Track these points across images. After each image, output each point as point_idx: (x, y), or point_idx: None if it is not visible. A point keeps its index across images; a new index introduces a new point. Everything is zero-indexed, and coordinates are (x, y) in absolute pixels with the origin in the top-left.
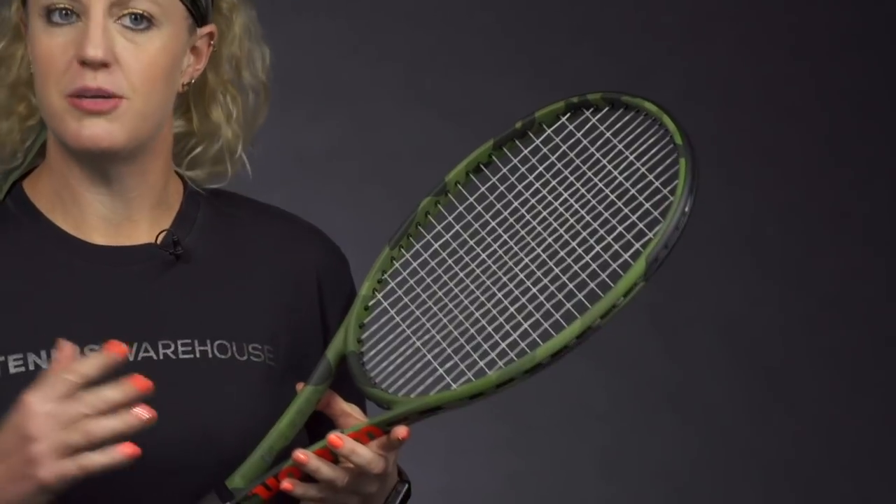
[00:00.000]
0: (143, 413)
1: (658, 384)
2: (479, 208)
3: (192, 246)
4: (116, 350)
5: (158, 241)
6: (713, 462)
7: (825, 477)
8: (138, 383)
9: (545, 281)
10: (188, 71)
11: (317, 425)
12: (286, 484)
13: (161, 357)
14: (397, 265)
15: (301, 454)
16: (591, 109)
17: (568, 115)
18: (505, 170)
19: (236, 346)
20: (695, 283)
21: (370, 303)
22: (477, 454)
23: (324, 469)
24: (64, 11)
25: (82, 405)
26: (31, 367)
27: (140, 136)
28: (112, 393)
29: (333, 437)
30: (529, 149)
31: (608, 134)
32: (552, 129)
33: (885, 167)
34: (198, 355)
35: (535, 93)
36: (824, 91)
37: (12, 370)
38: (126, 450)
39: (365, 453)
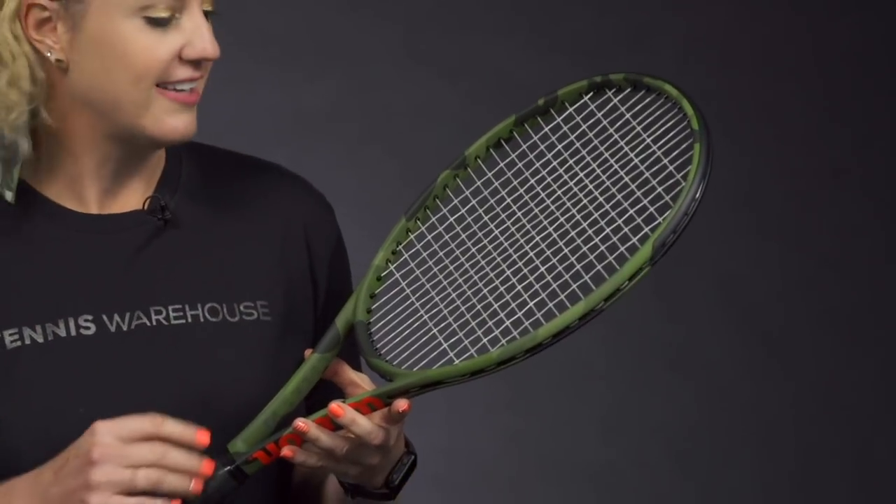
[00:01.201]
0: (197, 488)
1: (658, 345)
2: (497, 184)
3: (179, 208)
4: (202, 440)
5: (146, 207)
6: (712, 423)
7: (824, 437)
8: (201, 438)
9: (554, 261)
10: None
11: (326, 394)
12: (286, 451)
13: (154, 323)
14: (412, 237)
15: (301, 423)
16: (613, 90)
17: (591, 94)
18: (525, 146)
19: (227, 307)
20: (694, 244)
21: (383, 273)
22: (477, 415)
23: (323, 438)
24: (167, 16)
25: (150, 453)
26: (28, 341)
27: None
28: (181, 457)
29: (334, 405)
30: (550, 126)
31: (628, 115)
32: (574, 107)
33: (883, 126)
34: (189, 320)
35: (533, 53)
36: (823, 49)
37: (9, 345)
38: None
39: (365, 424)
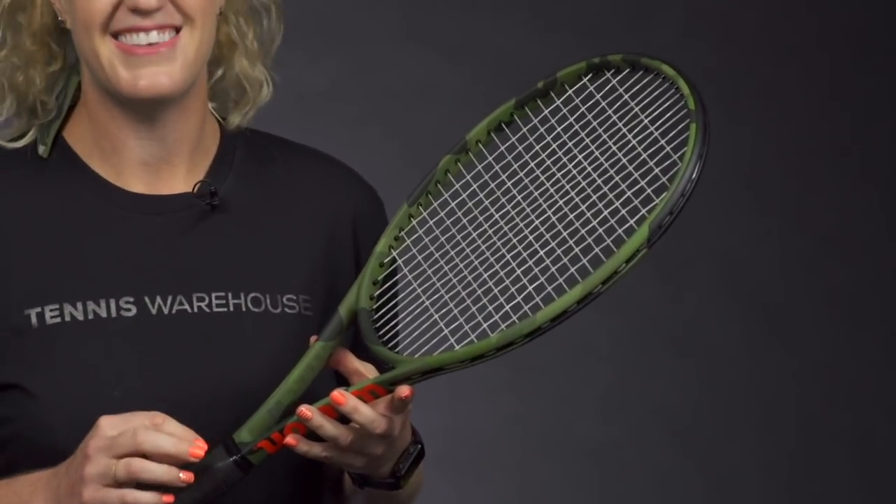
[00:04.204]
0: (188, 478)
1: (659, 324)
2: (497, 168)
3: (228, 193)
4: (195, 453)
5: (195, 191)
6: (714, 402)
7: (825, 414)
8: (196, 450)
9: (553, 244)
10: None
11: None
12: (290, 440)
13: (195, 310)
14: (414, 223)
15: (305, 409)
16: (611, 71)
17: (590, 75)
18: (525, 129)
19: (270, 298)
20: (695, 223)
21: (385, 260)
22: (478, 395)
23: (327, 426)
24: None
25: (135, 440)
26: (68, 318)
27: (196, 72)
28: (167, 443)
29: (336, 393)
30: (550, 109)
31: (626, 97)
32: (573, 89)
33: (884, 104)
34: (231, 308)
35: (533, 32)
36: (823, 27)
37: (49, 321)
38: (168, 500)
39: (367, 412)
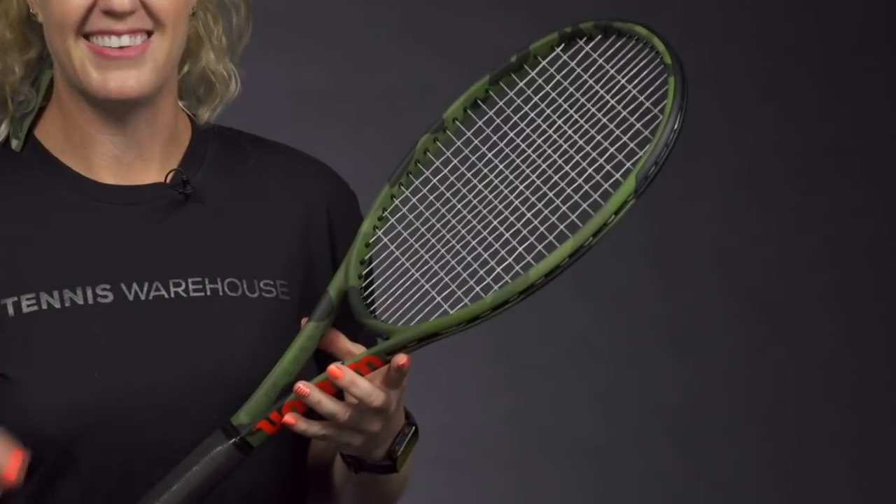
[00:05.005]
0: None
1: (658, 323)
2: (476, 141)
3: (201, 184)
4: (8, 473)
5: (168, 181)
6: (713, 400)
7: (825, 414)
8: (12, 467)
9: (539, 206)
10: None
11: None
12: (288, 418)
13: (172, 295)
14: (397, 202)
15: (303, 385)
16: (584, 38)
17: (562, 45)
18: (501, 103)
19: (247, 283)
20: (694, 222)
21: (371, 240)
22: (476, 392)
23: (325, 402)
24: None
25: None
26: (45, 307)
27: (165, 75)
28: None
29: (333, 367)
30: (525, 81)
31: (601, 61)
32: (547, 60)
33: (883, 104)
34: (208, 293)
35: (533, 31)
36: (823, 27)
37: (25, 309)
38: None
39: (365, 385)
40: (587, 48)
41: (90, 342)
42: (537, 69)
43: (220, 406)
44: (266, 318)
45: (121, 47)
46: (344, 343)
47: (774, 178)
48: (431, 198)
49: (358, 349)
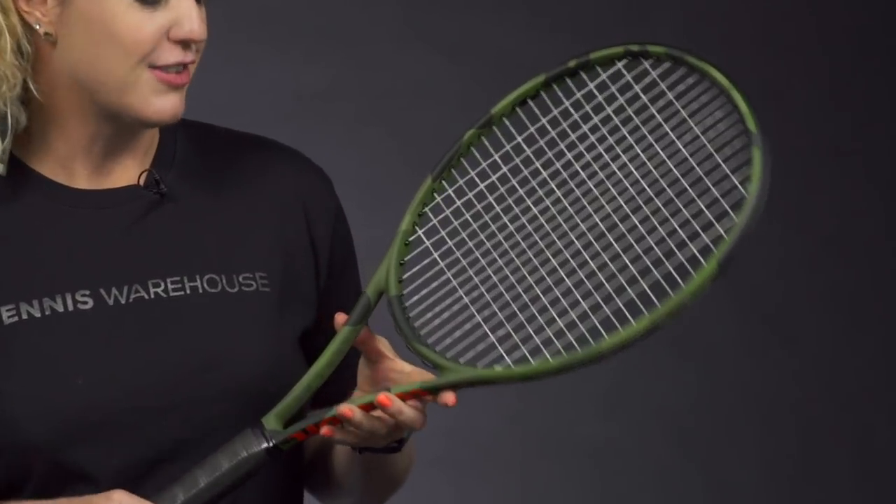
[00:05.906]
0: None
1: None
2: (520, 139)
3: (174, 183)
4: None
5: (141, 182)
6: (714, 401)
7: (825, 414)
8: None
9: (603, 255)
10: None
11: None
12: (325, 430)
13: (152, 296)
14: (439, 199)
15: (347, 409)
16: (650, 60)
17: (625, 61)
18: (556, 112)
19: (226, 278)
20: None
21: (410, 238)
22: (478, 395)
23: (365, 423)
24: None
25: None
26: (25, 316)
27: None
28: None
29: (383, 397)
30: (583, 92)
31: (670, 95)
32: (607, 74)
33: (883, 104)
34: (188, 291)
35: (533, 31)
36: (823, 27)
37: (6, 321)
38: None
39: (410, 413)
40: (652, 73)
41: (72, 349)
42: (596, 81)
43: (210, 401)
44: (248, 312)
45: (179, 73)
46: (376, 343)
47: (774, 179)
48: (479, 207)
49: (384, 345)
